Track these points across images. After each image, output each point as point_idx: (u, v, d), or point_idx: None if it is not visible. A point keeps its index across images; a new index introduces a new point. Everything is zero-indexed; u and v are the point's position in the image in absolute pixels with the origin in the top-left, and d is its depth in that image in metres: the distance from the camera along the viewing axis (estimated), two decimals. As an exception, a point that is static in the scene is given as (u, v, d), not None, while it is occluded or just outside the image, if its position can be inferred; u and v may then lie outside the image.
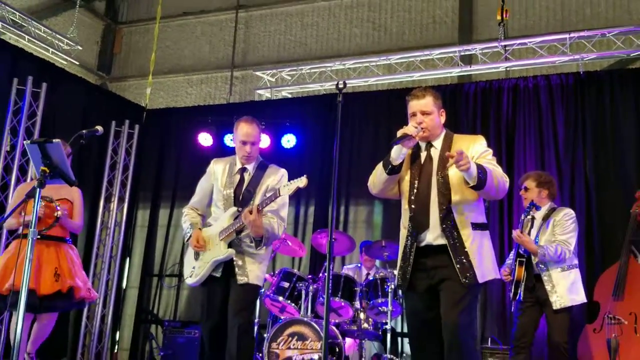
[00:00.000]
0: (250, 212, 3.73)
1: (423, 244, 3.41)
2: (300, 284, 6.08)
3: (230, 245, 3.90)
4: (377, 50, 8.99)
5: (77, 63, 9.39)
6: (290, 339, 5.77)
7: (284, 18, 10.04)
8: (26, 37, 8.40)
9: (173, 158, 8.88)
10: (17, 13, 8.17)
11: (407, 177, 3.54)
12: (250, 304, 3.93)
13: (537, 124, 7.06)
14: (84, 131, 4.03)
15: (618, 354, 5.09)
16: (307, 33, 9.82)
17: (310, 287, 6.03)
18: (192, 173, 6.98)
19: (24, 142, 4.54)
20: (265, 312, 6.61)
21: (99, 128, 4.11)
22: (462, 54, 8.02)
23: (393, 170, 3.45)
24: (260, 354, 6.04)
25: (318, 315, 6.04)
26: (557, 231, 4.98)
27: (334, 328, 5.87)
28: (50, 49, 8.73)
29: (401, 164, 3.46)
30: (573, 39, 7.36)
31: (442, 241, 3.35)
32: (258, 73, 9.22)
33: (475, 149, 3.42)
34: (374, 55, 8.64)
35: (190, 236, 4.04)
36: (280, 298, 6.04)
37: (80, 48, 9.19)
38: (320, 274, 6.32)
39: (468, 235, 3.30)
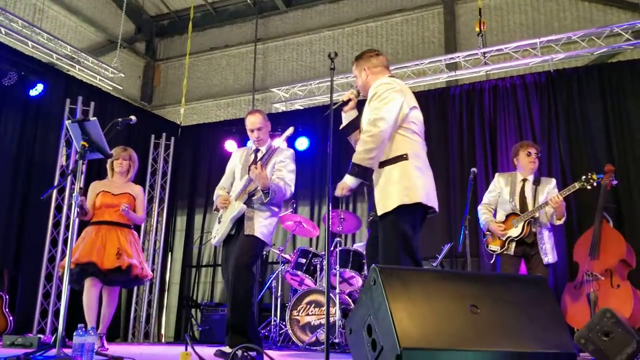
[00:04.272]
0: (256, 168, 3.77)
1: None
2: (315, 260, 5.99)
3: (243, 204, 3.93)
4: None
5: (121, 87, 9.41)
6: (308, 306, 5.67)
7: (295, 47, 10.06)
8: (77, 66, 8.45)
9: (204, 164, 8.83)
10: (69, 47, 8.23)
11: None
12: (250, 250, 3.78)
13: (515, 117, 6.95)
14: (119, 119, 3.99)
15: (597, 305, 4.95)
16: (316, 58, 9.82)
17: (324, 262, 5.91)
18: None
19: (66, 121, 4.51)
20: (287, 287, 6.47)
21: (133, 117, 4.07)
22: (448, 62, 7.94)
23: (344, 132, 3.47)
24: (283, 322, 5.92)
25: (332, 285, 5.91)
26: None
27: (346, 296, 5.75)
28: (98, 77, 8.78)
29: (348, 124, 3.43)
30: (543, 42, 7.25)
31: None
32: (274, 89, 9.22)
33: (369, 95, 3.25)
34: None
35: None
36: (299, 272, 5.96)
37: (122, 75, 9.23)
38: (332, 249, 6.20)
39: (374, 177, 3.13)
